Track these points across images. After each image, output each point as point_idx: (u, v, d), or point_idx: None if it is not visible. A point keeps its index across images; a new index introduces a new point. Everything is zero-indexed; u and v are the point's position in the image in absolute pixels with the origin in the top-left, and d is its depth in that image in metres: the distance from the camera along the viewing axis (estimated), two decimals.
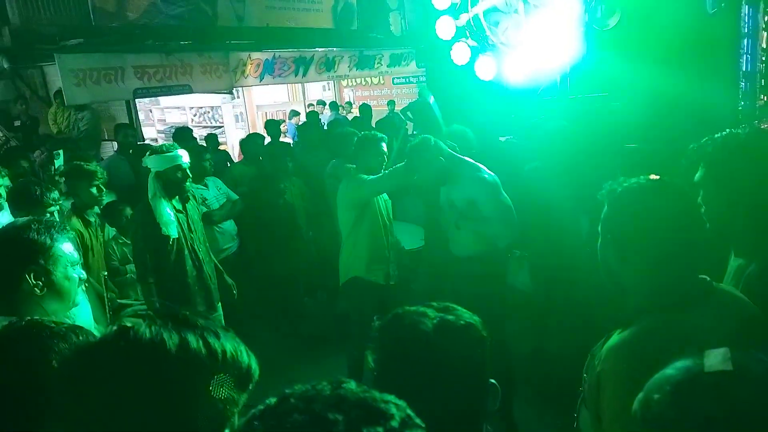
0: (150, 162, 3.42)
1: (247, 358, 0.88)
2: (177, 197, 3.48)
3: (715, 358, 0.80)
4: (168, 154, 3.41)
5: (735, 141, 1.64)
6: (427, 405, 1.05)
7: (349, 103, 11.91)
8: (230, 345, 0.86)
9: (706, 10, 4.75)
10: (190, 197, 3.65)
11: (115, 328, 0.83)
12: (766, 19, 6.29)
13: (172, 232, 3.38)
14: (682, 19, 4.56)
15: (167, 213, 3.37)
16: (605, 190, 1.48)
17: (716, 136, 1.67)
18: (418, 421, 0.66)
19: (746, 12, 5.52)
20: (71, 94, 6.15)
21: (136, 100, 7.69)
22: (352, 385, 0.68)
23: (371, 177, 3.63)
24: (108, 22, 6.39)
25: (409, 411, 0.67)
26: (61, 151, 4.43)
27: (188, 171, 3.48)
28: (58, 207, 3.00)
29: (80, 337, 1.04)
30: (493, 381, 1.12)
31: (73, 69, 6.08)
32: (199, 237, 3.65)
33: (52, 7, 6.31)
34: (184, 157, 3.45)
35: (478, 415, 1.12)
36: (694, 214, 1.43)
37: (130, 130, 6.16)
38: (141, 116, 9.26)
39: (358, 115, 9.79)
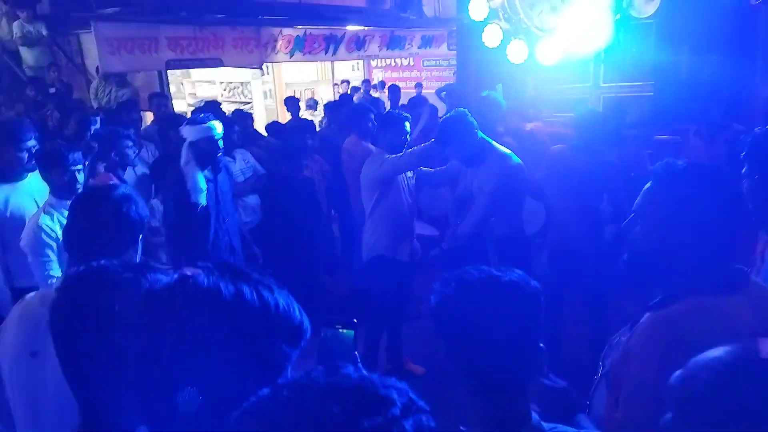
0: (185, 131, 3.54)
1: (299, 315, 0.91)
2: (209, 167, 3.58)
3: None
4: (202, 124, 3.51)
5: None
6: (482, 360, 1.08)
7: (382, 83, 11.82)
8: (283, 300, 0.90)
9: (749, 1, 4.59)
10: (222, 169, 3.74)
11: (176, 276, 0.87)
12: None
13: (201, 199, 3.48)
14: (723, 9, 4.42)
15: (198, 181, 3.47)
16: (658, 167, 1.45)
17: (756, 129, 1.70)
18: (421, 404, 0.64)
19: None
20: (106, 62, 6.25)
21: (168, 72, 7.78)
22: (348, 370, 0.65)
23: (394, 155, 3.64)
24: None
25: (411, 395, 0.64)
26: (98, 117, 4.52)
27: (220, 142, 3.58)
28: (81, 167, 3.07)
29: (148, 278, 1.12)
30: (541, 345, 1.14)
31: (108, 37, 6.17)
32: (227, 208, 3.74)
33: None
34: (217, 128, 3.54)
35: (526, 379, 1.14)
36: (741, 203, 1.44)
37: (163, 99, 6.19)
38: (172, 89, 9.36)
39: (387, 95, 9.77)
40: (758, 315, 1.33)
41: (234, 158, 4.62)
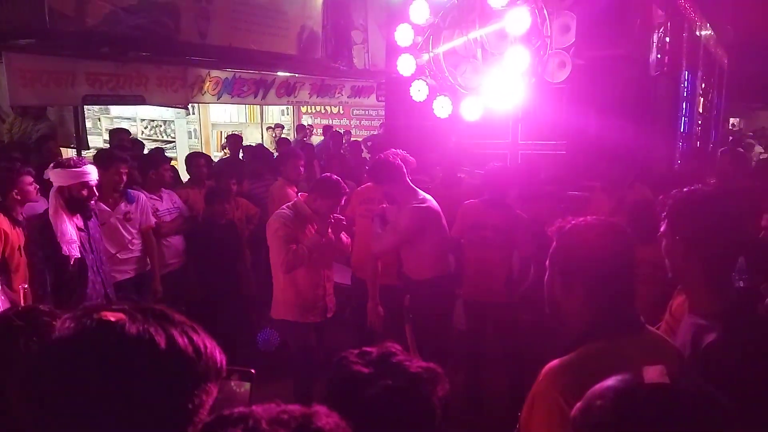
0: (54, 176, 3.20)
1: (218, 353, 0.89)
2: (79, 215, 3.28)
3: (653, 372, 0.88)
4: (75, 168, 3.21)
5: (695, 197, 1.68)
6: None
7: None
8: (207, 340, 0.87)
9: (649, 72, 5.07)
10: (93, 215, 3.44)
11: (90, 321, 0.79)
12: (702, 85, 6.77)
13: (74, 251, 3.15)
14: (628, 78, 4.85)
15: (69, 231, 3.15)
16: (555, 227, 1.59)
17: (683, 190, 1.71)
18: None
19: (686, 77, 5.93)
20: (16, 94, 5.91)
21: (85, 107, 7.45)
22: None
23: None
24: (64, 25, 6.22)
25: None
26: None
27: (95, 189, 3.31)
28: None
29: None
30: None
31: (21, 68, 5.86)
32: (100, 258, 3.43)
33: (6, 4, 6.10)
34: (92, 173, 3.27)
35: None
36: (632, 253, 1.55)
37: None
38: (88, 124, 8.96)
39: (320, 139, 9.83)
40: (650, 357, 1.41)
41: (161, 198, 4.48)
